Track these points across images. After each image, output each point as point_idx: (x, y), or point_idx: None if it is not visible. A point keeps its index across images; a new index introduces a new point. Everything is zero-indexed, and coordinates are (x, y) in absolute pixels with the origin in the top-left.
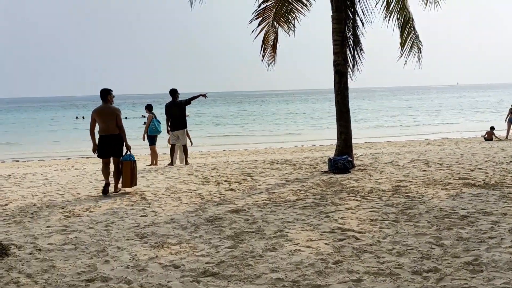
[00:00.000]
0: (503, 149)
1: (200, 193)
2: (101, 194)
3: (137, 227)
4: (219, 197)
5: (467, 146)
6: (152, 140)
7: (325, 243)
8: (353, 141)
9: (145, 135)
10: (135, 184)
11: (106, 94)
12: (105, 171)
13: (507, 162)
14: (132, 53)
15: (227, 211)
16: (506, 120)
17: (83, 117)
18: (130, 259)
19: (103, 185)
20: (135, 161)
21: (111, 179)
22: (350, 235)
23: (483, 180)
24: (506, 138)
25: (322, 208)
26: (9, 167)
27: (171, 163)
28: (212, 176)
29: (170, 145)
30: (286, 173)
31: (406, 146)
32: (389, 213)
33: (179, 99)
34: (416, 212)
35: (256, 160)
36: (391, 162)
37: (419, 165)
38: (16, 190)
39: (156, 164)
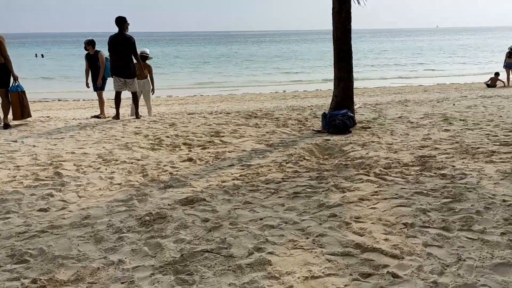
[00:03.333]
0: None
1: (144, 165)
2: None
3: (21, 235)
4: (170, 173)
5: (475, 93)
6: (103, 85)
7: None
8: None
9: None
10: (29, 116)
11: None
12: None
13: None
14: None
15: (177, 201)
16: (504, 65)
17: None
18: None
19: None
20: (23, 92)
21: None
22: (379, 264)
23: None
24: (508, 84)
25: (322, 198)
26: None
27: (116, 116)
28: (168, 137)
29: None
30: (267, 133)
31: (402, 93)
32: (429, 211)
33: (128, 32)
34: (471, 209)
35: (228, 113)
36: (400, 117)
37: (437, 121)
38: None
39: (104, 116)
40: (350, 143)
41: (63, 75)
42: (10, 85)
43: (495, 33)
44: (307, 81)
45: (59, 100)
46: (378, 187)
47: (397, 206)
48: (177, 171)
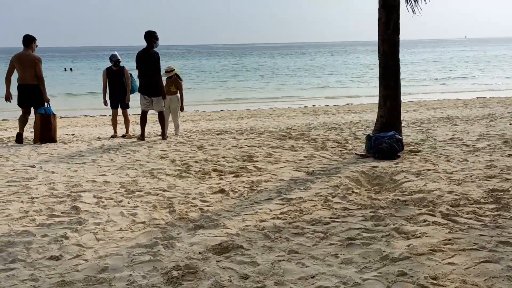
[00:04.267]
0: None
1: (170, 198)
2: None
3: None
4: (200, 208)
5: None
6: (127, 103)
7: None
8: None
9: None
10: (53, 141)
11: (30, 41)
12: (21, 119)
13: None
14: None
15: (209, 248)
16: None
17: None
18: None
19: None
20: (53, 115)
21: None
22: None
23: None
24: None
25: (383, 247)
26: None
27: (142, 137)
28: (196, 162)
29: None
30: (305, 157)
31: (441, 107)
32: None
33: (156, 50)
34: None
35: (261, 133)
36: (451, 138)
37: (497, 145)
38: None
39: (129, 135)
40: (402, 171)
41: (89, 90)
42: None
43: None
44: (337, 96)
45: (85, 116)
46: (450, 232)
47: (482, 262)
48: (208, 206)
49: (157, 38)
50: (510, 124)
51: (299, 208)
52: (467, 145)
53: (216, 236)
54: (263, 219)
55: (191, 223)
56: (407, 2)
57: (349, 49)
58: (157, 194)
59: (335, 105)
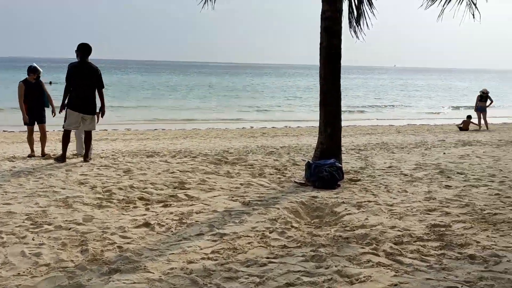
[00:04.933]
0: None
1: (84, 234)
2: None
3: None
4: (119, 247)
5: (451, 138)
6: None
7: None
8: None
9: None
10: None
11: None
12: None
13: None
14: None
15: None
16: (475, 109)
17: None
18: None
19: None
20: None
21: None
22: None
23: None
24: (480, 128)
25: None
26: None
27: (62, 158)
28: (121, 188)
29: (63, 130)
30: (241, 184)
31: (376, 133)
32: None
33: (90, 62)
34: None
35: (195, 157)
36: (389, 167)
37: (434, 175)
38: None
39: (48, 156)
40: (343, 202)
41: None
42: None
43: (450, 74)
44: (276, 119)
45: (4, 131)
46: (395, 275)
47: None
48: (128, 243)
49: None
50: (444, 153)
51: (233, 246)
52: (405, 175)
53: (134, 283)
54: (191, 259)
55: (106, 266)
56: (350, 27)
57: (290, 72)
58: (69, 228)
59: (273, 127)
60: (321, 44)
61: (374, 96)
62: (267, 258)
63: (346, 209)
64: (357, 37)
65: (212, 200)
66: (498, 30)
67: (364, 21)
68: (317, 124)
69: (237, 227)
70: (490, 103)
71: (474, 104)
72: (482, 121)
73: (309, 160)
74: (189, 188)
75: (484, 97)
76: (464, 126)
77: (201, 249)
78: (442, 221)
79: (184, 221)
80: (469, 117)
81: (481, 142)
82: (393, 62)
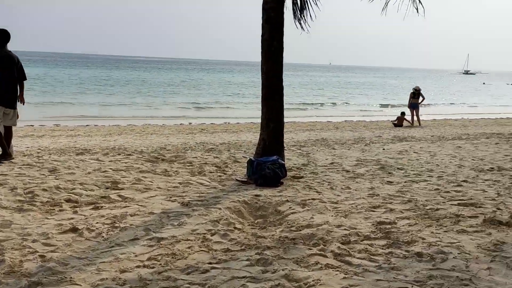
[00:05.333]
0: (459, 146)
1: (1, 242)
2: None
3: None
4: (41, 256)
5: (387, 133)
6: None
7: None
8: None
9: None
10: None
11: None
12: None
13: (488, 170)
14: None
15: None
16: (408, 105)
17: None
18: None
19: None
20: None
21: None
22: None
23: (496, 209)
24: (413, 124)
25: None
26: None
27: None
28: (45, 190)
29: None
30: (180, 184)
31: (315, 129)
32: None
33: (9, 51)
34: None
35: (129, 155)
36: (331, 163)
37: (375, 171)
38: None
39: None
40: (287, 200)
41: None
42: None
43: (384, 72)
44: (215, 115)
45: None
46: (345, 277)
47: None
48: (52, 251)
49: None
50: (384, 149)
51: (171, 251)
52: (348, 171)
53: None
54: (125, 268)
55: (25, 279)
56: (295, 17)
57: (232, 67)
58: None
59: (212, 124)
60: (262, 36)
61: (312, 93)
62: (209, 263)
63: (290, 207)
64: (302, 28)
65: (148, 201)
66: (429, 29)
67: (308, 12)
68: (257, 120)
69: (175, 230)
70: (422, 100)
71: (407, 101)
72: (415, 118)
73: (251, 157)
74: (122, 188)
75: (416, 94)
76: (399, 122)
77: (136, 256)
78: (387, 218)
79: (117, 225)
80: (403, 113)
81: (416, 138)
82: (329, 60)
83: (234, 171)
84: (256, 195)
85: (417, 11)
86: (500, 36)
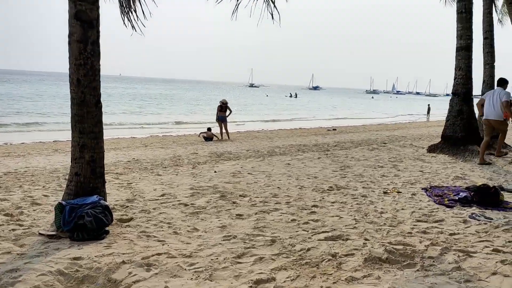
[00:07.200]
0: (288, 163)
1: None
2: None
3: None
4: None
5: (203, 151)
6: None
7: None
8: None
9: None
10: None
11: None
12: None
13: (328, 190)
14: None
15: None
16: (216, 119)
17: None
18: None
19: None
20: None
21: None
22: None
23: (365, 240)
24: (221, 137)
25: None
26: None
27: None
28: None
29: None
30: None
31: (120, 148)
32: None
33: None
34: None
35: None
36: (163, 195)
37: (217, 201)
38: None
39: None
40: (123, 262)
41: None
42: None
43: (175, 84)
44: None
45: None
46: None
47: None
48: None
49: None
50: (215, 172)
51: None
52: (186, 205)
53: None
54: None
55: None
56: (123, 14)
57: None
58: None
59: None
60: (71, 36)
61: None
62: None
63: (130, 273)
64: (133, 27)
65: None
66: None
67: (141, 8)
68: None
69: None
70: (230, 113)
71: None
72: (224, 130)
73: (61, 201)
74: None
75: (224, 107)
76: (209, 136)
77: None
78: (261, 273)
79: None
80: (209, 129)
81: (234, 154)
82: (118, 71)
83: (35, 219)
84: (75, 258)
85: (272, 17)
86: (279, 56)
